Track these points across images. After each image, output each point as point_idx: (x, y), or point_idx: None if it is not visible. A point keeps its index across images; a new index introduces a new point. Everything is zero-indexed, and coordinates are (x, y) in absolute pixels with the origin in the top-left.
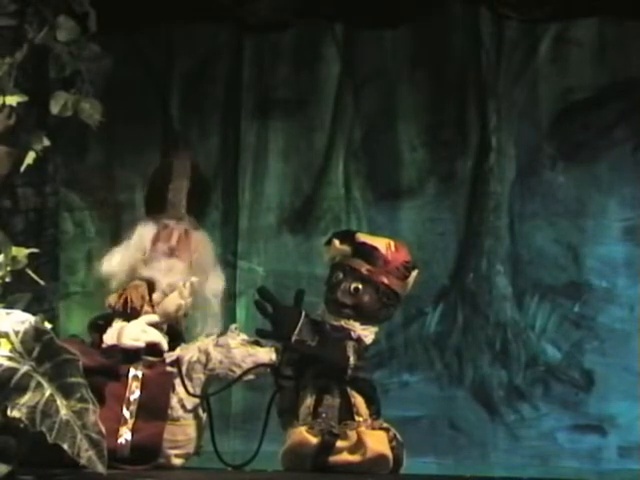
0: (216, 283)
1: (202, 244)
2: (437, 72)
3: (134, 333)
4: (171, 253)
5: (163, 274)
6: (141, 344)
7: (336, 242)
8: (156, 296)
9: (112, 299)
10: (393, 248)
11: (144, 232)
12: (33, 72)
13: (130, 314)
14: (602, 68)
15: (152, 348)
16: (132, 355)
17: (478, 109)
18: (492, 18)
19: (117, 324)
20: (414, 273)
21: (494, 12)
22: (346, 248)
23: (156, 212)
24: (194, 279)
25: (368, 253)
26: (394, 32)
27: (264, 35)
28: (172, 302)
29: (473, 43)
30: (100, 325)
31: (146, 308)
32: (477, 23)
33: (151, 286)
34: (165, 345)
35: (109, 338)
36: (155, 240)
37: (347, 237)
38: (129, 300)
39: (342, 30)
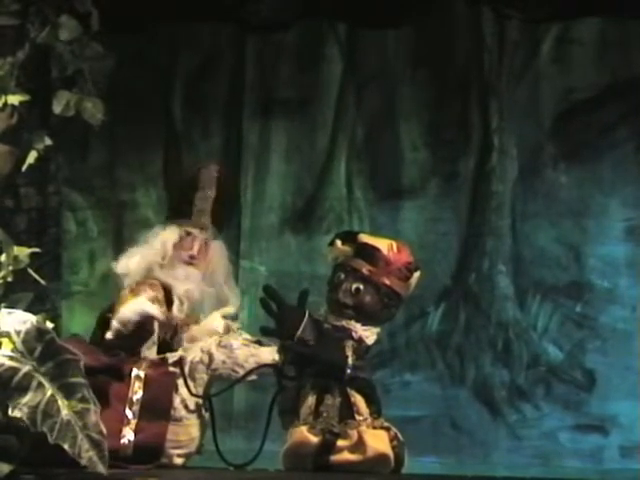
0: (233, 298)
1: (218, 254)
2: (439, 72)
3: (133, 305)
4: (190, 261)
5: (180, 281)
6: (137, 317)
7: (338, 243)
8: (175, 307)
9: (125, 292)
10: (395, 249)
11: (167, 238)
12: (35, 71)
13: None
14: (604, 68)
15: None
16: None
17: (480, 109)
18: (494, 18)
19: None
20: (416, 274)
21: (496, 12)
22: (348, 249)
23: (181, 217)
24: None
25: (369, 254)
26: (396, 32)
27: (266, 35)
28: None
29: (475, 43)
30: (109, 319)
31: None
32: (479, 23)
33: (166, 290)
34: (160, 316)
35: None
36: (177, 247)
37: (350, 238)
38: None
39: (345, 30)
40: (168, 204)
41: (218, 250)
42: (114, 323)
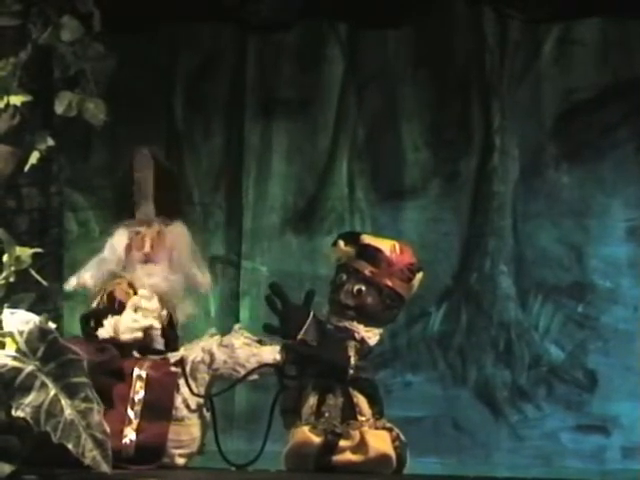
0: (202, 275)
1: (178, 239)
2: (440, 72)
3: (128, 326)
4: (147, 259)
5: (142, 281)
6: (139, 334)
7: (341, 243)
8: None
9: (96, 300)
10: (398, 250)
11: (116, 243)
12: (37, 72)
13: (118, 309)
14: (605, 68)
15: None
16: (130, 347)
17: (482, 109)
18: (495, 18)
19: (110, 320)
20: (419, 276)
21: (497, 12)
22: (351, 250)
23: (125, 217)
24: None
25: (372, 255)
26: (397, 32)
27: (267, 35)
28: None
29: (477, 43)
30: (89, 319)
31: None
32: (481, 23)
33: (133, 287)
34: (157, 324)
35: (105, 333)
36: (128, 249)
37: (352, 239)
38: (115, 296)
39: (345, 30)
40: (113, 209)
41: (177, 235)
42: (113, 335)
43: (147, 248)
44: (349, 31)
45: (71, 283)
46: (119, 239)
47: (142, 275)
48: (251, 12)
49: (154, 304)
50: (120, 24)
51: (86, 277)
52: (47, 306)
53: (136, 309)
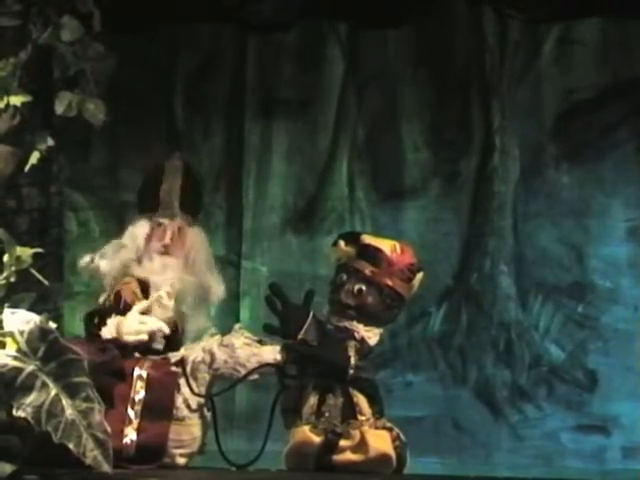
0: (216, 285)
1: (197, 241)
2: (441, 72)
3: (133, 327)
4: (165, 251)
5: (157, 273)
6: (144, 337)
7: (341, 243)
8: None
9: (103, 297)
10: (398, 250)
11: (137, 231)
12: (37, 72)
13: (123, 310)
14: (605, 68)
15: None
16: (136, 349)
17: (482, 109)
18: (495, 18)
19: (113, 319)
20: (419, 275)
21: (497, 12)
22: (351, 249)
23: (149, 211)
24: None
25: (372, 255)
26: (397, 32)
27: (267, 35)
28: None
29: (477, 43)
30: (94, 317)
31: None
32: (481, 23)
33: (144, 285)
34: (166, 329)
35: (108, 333)
36: (148, 239)
37: (352, 239)
38: (122, 296)
39: (345, 30)
40: (136, 199)
41: (196, 237)
42: (116, 335)
43: (167, 239)
44: (349, 31)
45: (84, 261)
46: (140, 228)
47: (158, 267)
48: (251, 12)
49: (172, 303)
50: (120, 24)
51: (101, 262)
52: (48, 306)
53: (144, 312)
